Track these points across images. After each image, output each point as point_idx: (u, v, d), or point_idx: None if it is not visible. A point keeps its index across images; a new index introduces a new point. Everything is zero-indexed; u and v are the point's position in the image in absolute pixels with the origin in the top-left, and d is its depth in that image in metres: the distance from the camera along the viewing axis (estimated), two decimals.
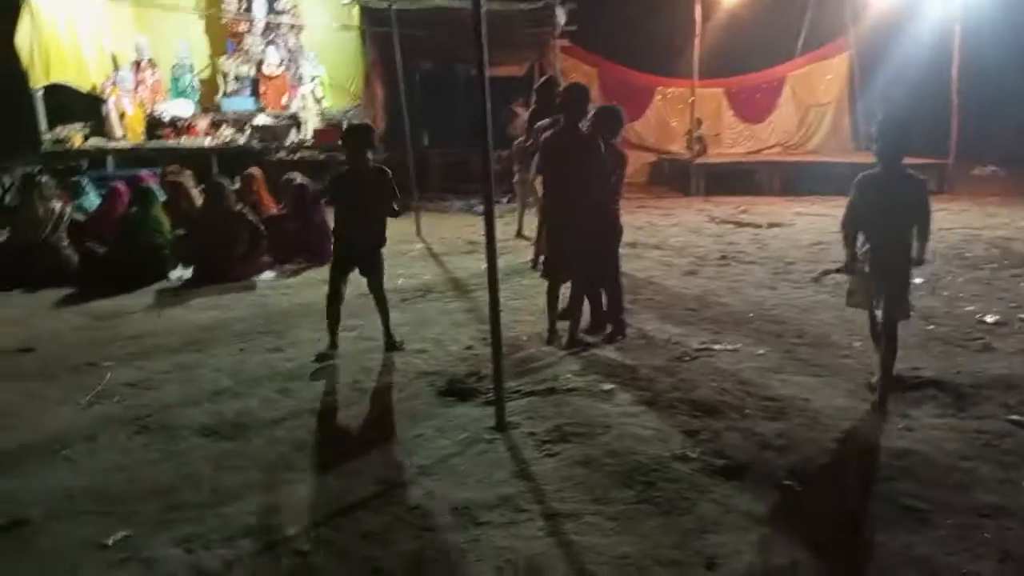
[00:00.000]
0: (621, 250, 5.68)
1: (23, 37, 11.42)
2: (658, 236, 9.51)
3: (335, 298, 5.29)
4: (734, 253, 8.48)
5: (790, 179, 13.71)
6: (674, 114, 16.21)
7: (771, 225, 10.30)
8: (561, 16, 12.81)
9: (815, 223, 10.23)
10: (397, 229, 9.74)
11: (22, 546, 3.14)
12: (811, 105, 16.43)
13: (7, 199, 8.82)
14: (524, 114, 8.87)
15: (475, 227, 9.76)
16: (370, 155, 5.19)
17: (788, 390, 4.52)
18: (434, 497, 3.42)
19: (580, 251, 5.32)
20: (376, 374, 4.96)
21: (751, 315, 6.10)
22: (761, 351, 5.22)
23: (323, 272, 7.75)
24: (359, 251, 5.36)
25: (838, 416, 4.14)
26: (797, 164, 14.30)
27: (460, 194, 12.44)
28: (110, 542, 3.12)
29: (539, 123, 6.88)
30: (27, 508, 3.39)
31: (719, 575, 2.83)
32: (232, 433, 4.11)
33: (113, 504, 3.43)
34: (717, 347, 5.31)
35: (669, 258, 8.25)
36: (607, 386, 4.63)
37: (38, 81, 11.71)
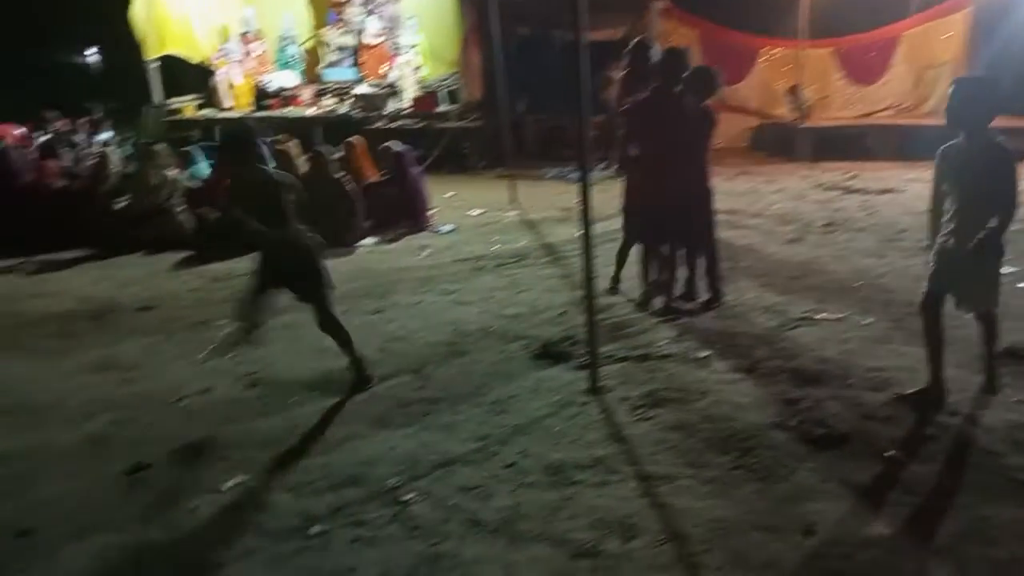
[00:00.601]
0: (719, 217, 5.56)
1: (137, 11, 11.99)
2: (760, 203, 9.23)
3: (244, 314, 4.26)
4: (841, 220, 8.15)
5: (903, 143, 12.98)
6: (779, 77, 15.57)
7: (882, 191, 9.82)
8: None
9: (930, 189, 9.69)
10: (493, 195, 9.91)
11: (145, 488, 3.39)
12: (927, 65, 15.44)
13: (128, 168, 9.30)
14: (617, 76, 8.71)
15: (569, 194, 9.72)
16: (263, 164, 4.51)
17: (895, 361, 4.35)
18: (528, 455, 3.49)
19: (672, 214, 5.23)
20: (472, 337, 5.05)
21: (858, 284, 5.87)
22: (867, 321, 5.03)
23: (421, 237, 7.98)
24: (281, 266, 4.27)
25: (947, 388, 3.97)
26: (911, 127, 13.51)
27: (555, 161, 12.39)
28: (225, 487, 3.33)
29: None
30: (152, 453, 3.65)
31: (816, 542, 2.79)
32: (336, 389, 4.28)
33: (227, 452, 3.65)
34: (820, 316, 5.15)
35: (771, 225, 8.01)
36: (703, 353, 4.58)
37: (151, 53, 12.27)
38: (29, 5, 20.45)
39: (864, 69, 15.68)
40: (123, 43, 12.90)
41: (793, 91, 13.89)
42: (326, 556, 2.85)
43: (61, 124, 12.05)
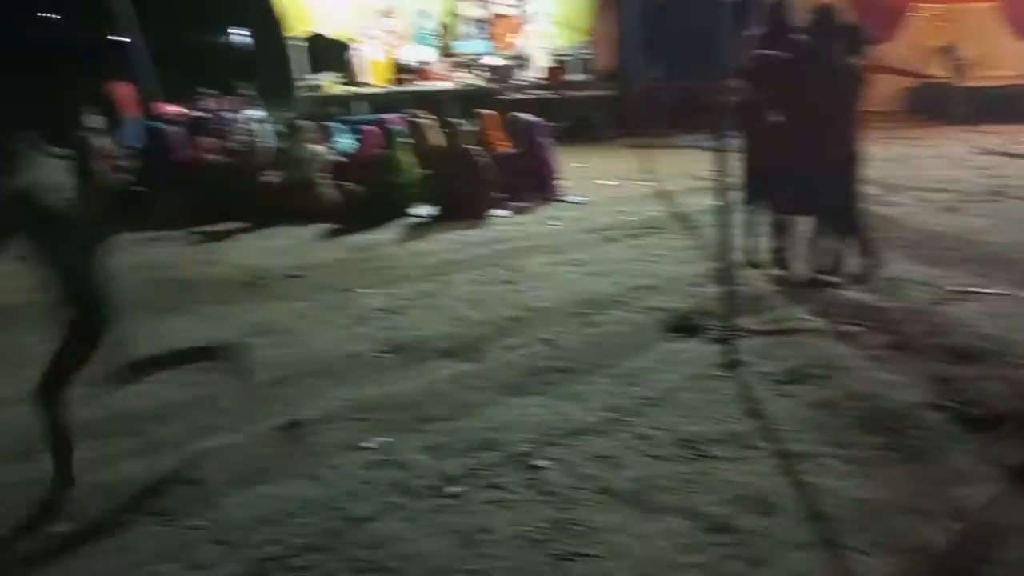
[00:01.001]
0: (870, 184, 5.25)
1: None
2: (914, 170, 8.65)
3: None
4: (1003, 187, 7.53)
5: None
6: (934, 34, 14.44)
7: None
8: None
9: None
10: (626, 166, 9.78)
11: (296, 444, 3.61)
12: None
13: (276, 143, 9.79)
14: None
15: (704, 162, 9.45)
16: None
17: None
18: (661, 427, 3.46)
19: (819, 178, 4.97)
20: (603, 308, 5.03)
21: (1020, 256, 5.42)
22: None
23: (552, 208, 8.00)
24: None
25: None
26: None
27: (690, 129, 12.05)
28: (369, 445, 3.50)
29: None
30: (302, 412, 3.88)
31: (968, 527, 2.63)
32: (471, 355, 4.40)
33: (370, 412, 3.84)
34: (979, 290, 4.79)
35: (927, 193, 7.49)
36: (850, 328, 4.36)
37: (294, 31, 12.81)
38: None
39: None
40: (270, 23, 13.54)
41: (948, 49, 12.87)
42: (462, 515, 2.95)
43: (213, 102, 12.81)
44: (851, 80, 4.89)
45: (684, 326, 4.60)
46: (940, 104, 12.88)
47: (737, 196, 5.64)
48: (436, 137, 8.69)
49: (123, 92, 12.61)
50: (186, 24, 22.86)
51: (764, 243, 5.67)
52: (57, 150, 3.78)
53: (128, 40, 9.53)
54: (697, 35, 12.55)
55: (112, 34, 17.05)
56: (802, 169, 4.96)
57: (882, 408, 3.43)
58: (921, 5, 14.57)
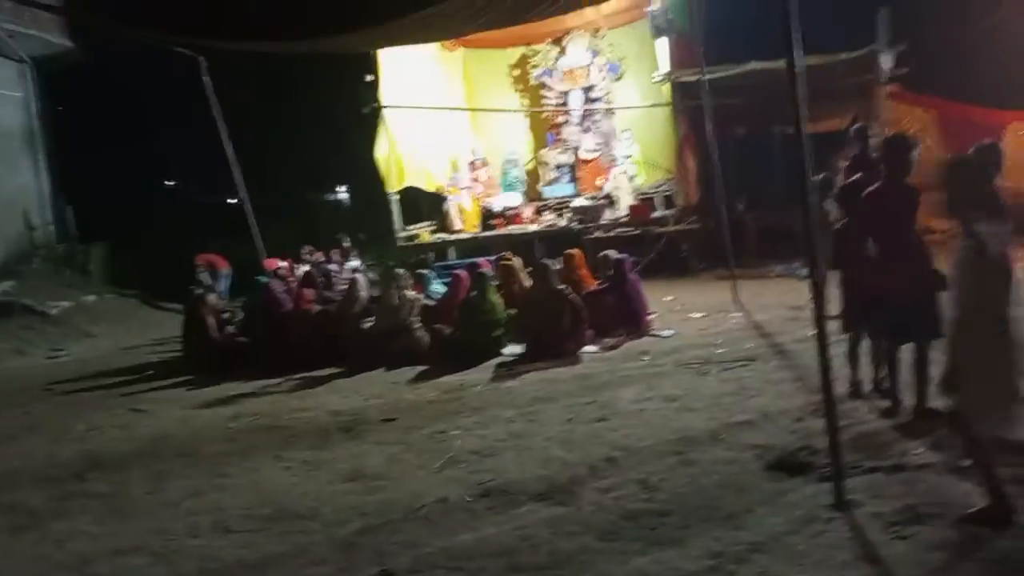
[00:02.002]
0: None
1: (380, 151, 13.46)
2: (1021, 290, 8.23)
3: None
4: None
5: None
6: None
7: None
8: (888, 60, 11.96)
9: None
10: (715, 297, 9.70)
11: None
12: None
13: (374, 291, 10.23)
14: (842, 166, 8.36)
15: (797, 292, 9.28)
16: None
17: None
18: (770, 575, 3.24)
19: (919, 305, 4.81)
20: (700, 445, 4.87)
21: None
22: None
23: (642, 343, 7.94)
24: None
25: None
26: None
27: (780, 258, 11.95)
28: None
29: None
30: (395, 560, 3.84)
31: None
32: (564, 499, 4.29)
33: (463, 561, 3.75)
34: None
35: None
36: (967, 461, 4.05)
37: (393, 187, 13.64)
38: (289, 153, 23.70)
39: None
40: (369, 180, 14.51)
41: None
42: None
43: (317, 255, 13.59)
44: (911, 196, 4.87)
45: (788, 464, 4.38)
46: None
47: (836, 325, 5.52)
48: (524, 278, 8.91)
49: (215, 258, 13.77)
50: (293, 184, 24.66)
51: (867, 373, 5.45)
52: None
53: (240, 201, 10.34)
54: (776, 167, 12.66)
55: (227, 196, 18.62)
56: (903, 294, 4.83)
57: (1010, 549, 3.12)
58: (1018, 123, 14.35)
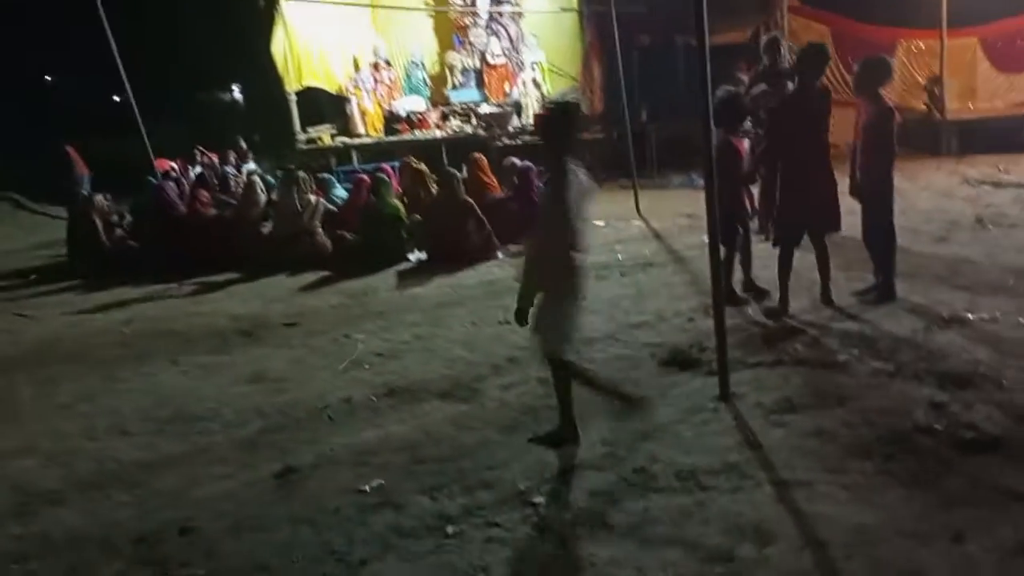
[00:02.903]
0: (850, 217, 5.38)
1: (277, 47, 12.78)
2: (903, 201, 8.67)
3: None
4: (992, 216, 7.62)
5: None
6: (921, 69, 14.74)
7: None
8: None
9: None
10: (617, 206, 9.89)
11: (293, 490, 3.60)
12: None
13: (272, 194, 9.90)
14: (746, 78, 8.52)
15: (696, 202, 9.56)
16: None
17: None
18: (658, 461, 3.46)
19: (823, 210, 5.15)
20: (598, 345, 5.05)
21: (1011, 282, 5.47)
22: (1023, 319, 4.68)
23: None
24: None
25: None
26: None
27: (680, 169, 12.21)
28: (366, 488, 3.49)
29: (755, 90, 6.65)
30: (297, 457, 3.88)
31: (968, 548, 2.62)
32: (467, 396, 4.41)
33: (367, 456, 3.83)
34: (971, 316, 4.83)
35: (916, 223, 7.57)
36: (842, 357, 4.39)
37: (292, 86, 13.05)
38: (177, 50, 22.26)
39: (1013, 57, 14.60)
40: (265, 79, 13.81)
41: (932, 83, 13.13)
42: (460, 554, 2.94)
43: (211, 157, 12.99)
44: (824, 102, 5.16)
45: (679, 360, 4.62)
46: (927, 138, 13.08)
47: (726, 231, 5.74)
48: (431, 184, 8.81)
49: (75, 153, 13.17)
50: (184, 84, 23.27)
51: (761, 277, 5.74)
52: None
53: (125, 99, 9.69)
54: (680, 78, 12.77)
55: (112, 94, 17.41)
56: (806, 199, 5.12)
57: (876, 434, 3.44)
58: (906, 41, 14.89)
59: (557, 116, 3.63)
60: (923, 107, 13.74)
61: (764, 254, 5.90)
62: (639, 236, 8.38)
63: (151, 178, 9.86)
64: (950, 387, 3.83)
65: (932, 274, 5.86)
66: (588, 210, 3.57)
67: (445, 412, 4.26)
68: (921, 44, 14.52)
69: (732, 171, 5.32)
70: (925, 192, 9.37)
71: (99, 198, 9.46)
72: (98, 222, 9.05)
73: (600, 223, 9.17)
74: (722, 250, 5.41)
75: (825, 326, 4.96)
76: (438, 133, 13.63)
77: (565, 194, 3.43)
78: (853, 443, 3.40)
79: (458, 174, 8.30)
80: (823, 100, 5.16)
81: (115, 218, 9.74)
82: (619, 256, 7.44)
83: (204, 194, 9.36)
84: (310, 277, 7.81)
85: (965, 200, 8.63)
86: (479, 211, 7.98)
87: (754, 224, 6.52)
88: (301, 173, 9.11)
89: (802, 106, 5.11)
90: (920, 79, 14.72)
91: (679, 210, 9.26)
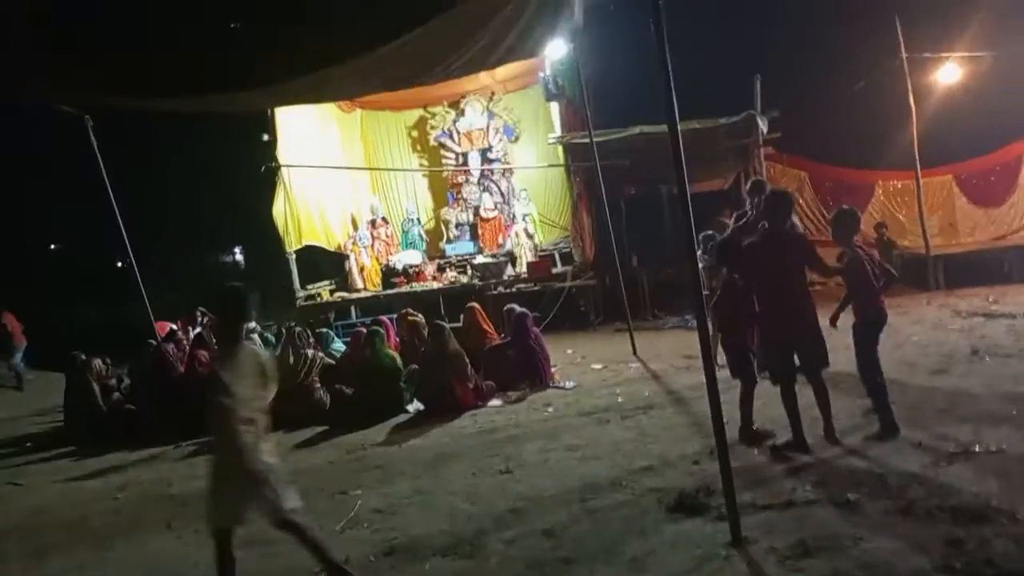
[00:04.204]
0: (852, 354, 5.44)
1: (279, 209, 13.28)
2: (896, 336, 8.81)
3: None
4: (987, 347, 7.66)
5: None
6: (900, 207, 15.31)
7: None
8: (763, 125, 12.79)
9: None
10: (613, 349, 9.94)
11: None
12: None
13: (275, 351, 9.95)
14: (730, 223, 8.82)
15: (691, 343, 9.64)
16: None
17: None
18: None
19: (803, 345, 5.21)
20: (603, 492, 4.94)
21: (1014, 412, 5.43)
22: None
23: (545, 394, 8.03)
24: None
25: None
26: None
27: (673, 312, 12.40)
28: None
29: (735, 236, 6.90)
30: None
31: None
32: (470, 552, 4.26)
33: None
34: (977, 448, 4.76)
35: (913, 357, 7.60)
36: (852, 496, 4.28)
37: (291, 246, 13.45)
38: (181, 214, 23.07)
39: (988, 192, 15.23)
40: (266, 239, 14.26)
41: (880, 226, 13.56)
42: None
43: (212, 317, 13.17)
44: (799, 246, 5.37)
45: (687, 505, 4.49)
46: (914, 273, 13.37)
47: (725, 372, 5.77)
48: (423, 334, 8.89)
49: (13, 321, 13.54)
50: (186, 245, 23.96)
51: (765, 416, 5.69)
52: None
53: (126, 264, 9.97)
54: (665, 225, 13.20)
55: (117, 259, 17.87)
56: (795, 337, 5.22)
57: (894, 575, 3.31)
58: (883, 181, 15.52)
59: (226, 300, 3.95)
60: (909, 245, 14.10)
61: (765, 394, 5.89)
62: (638, 378, 8.38)
63: (151, 341, 9.94)
64: (964, 523, 3.72)
65: (933, 407, 5.82)
66: (266, 383, 3.89)
67: (446, 570, 4.10)
68: (898, 184, 15.16)
69: (739, 308, 5.44)
70: (918, 326, 9.46)
71: (96, 361, 9.50)
72: (95, 386, 9.04)
73: (598, 366, 9.20)
74: (741, 387, 5.50)
75: (832, 464, 4.87)
76: (435, 284, 13.94)
77: (227, 371, 3.73)
78: None
79: (446, 325, 8.38)
80: (794, 243, 5.35)
81: (112, 381, 9.74)
82: (619, 399, 7.41)
83: (203, 354, 9.40)
84: (307, 433, 7.71)
85: (958, 332, 8.71)
86: (468, 360, 8.00)
87: None
88: (298, 328, 9.21)
89: (772, 249, 5.28)
90: (902, 217, 15.23)
91: (676, 351, 9.30)
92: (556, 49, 11.25)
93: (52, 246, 28.85)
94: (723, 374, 5.36)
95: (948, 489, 4.18)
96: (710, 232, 6.08)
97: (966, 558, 3.36)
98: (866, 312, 5.41)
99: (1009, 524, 3.65)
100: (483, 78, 14.50)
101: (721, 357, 5.88)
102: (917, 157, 12.95)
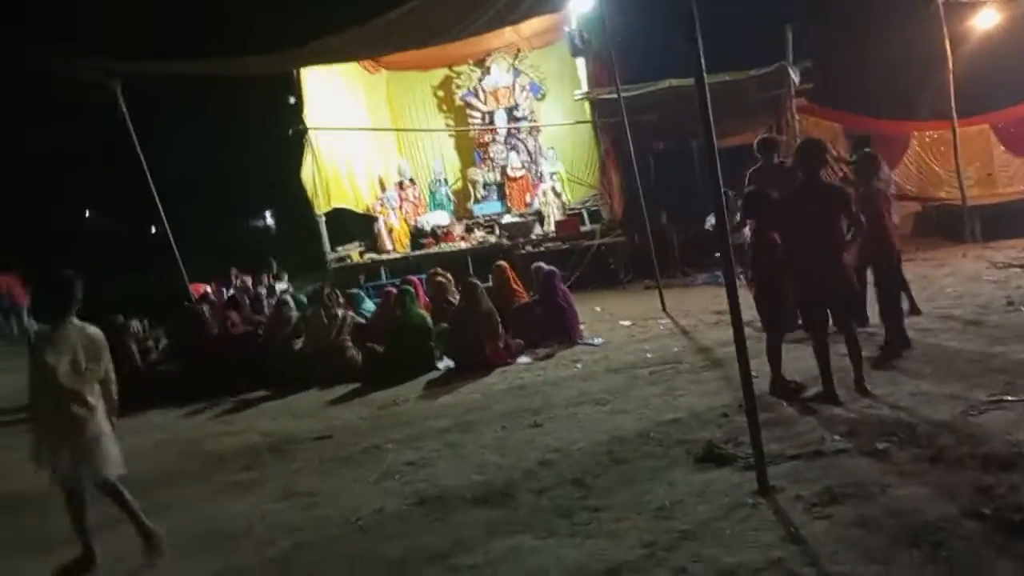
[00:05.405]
0: None
1: (307, 173, 13.34)
2: (931, 288, 8.70)
3: None
4: (1022, 298, 7.52)
5: None
6: (936, 158, 14.96)
7: None
8: (795, 75, 12.51)
9: None
10: (642, 306, 9.93)
11: None
12: None
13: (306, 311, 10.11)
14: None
15: (720, 298, 9.58)
16: None
17: None
18: (700, 560, 3.35)
19: (837, 294, 5.19)
20: (631, 444, 4.98)
21: None
22: None
23: (574, 351, 8.07)
24: None
25: None
26: None
27: (703, 268, 12.31)
28: None
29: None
30: (331, 572, 3.81)
31: None
32: (500, 502, 4.34)
33: (400, 567, 3.75)
34: (1009, 398, 4.71)
35: (946, 310, 7.50)
36: (881, 445, 4.28)
37: (321, 208, 13.54)
38: (211, 180, 23.30)
39: None
40: (296, 203, 14.37)
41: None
42: None
43: (244, 279, 13.37)
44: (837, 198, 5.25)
45: (715, 456, 4.51)
46: (950, 224, 13.12)
47: (756, 326, 5.75)
48: (454, 293, 8.95)
49: (16, 283, 13.72)
50: (217, 210, 24.24)
51: (794, 368, 5.67)
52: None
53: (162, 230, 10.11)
54: (696, 180, 13.04)
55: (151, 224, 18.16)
56: (822, 286, 5.17)
57: (922, 522, 3.30)
58: (919, 132, 15.15)
59: (57, 286, 4.19)
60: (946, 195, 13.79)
61: (795, 347, 5.88)
62: (667, 334, 8.37)
63: (186, 302, 10.13)
64: (994, 470, 3.70)
65: (966, 358, 5.75)
66: (98, 357, 4.23)
67: (477, 519, 4.18)
68: (934, 134, 14.79)
69: (770, 261, 5.40)
70: (952, 277, 9.32)
71: (134, 323, 9.71)
72: (133, 347, 9.25)
73: (627, 322, 9.20)
74: (768, 339, 5.49)
75: (862, 415, 4.86)
76: (463, 245, 13.97)
77: (51, 350, 4.05)
78: (899, 532, 3.27)
79: (479, 284, 8.42)
80: (828, 193, 5.26)
81: (150, 343, 9.96)
82: (648, 354, 7.42)
83: (235, 315, 9.58)
84: (340, 391, 7.85)
85: (994, 283, 8.55)
86: (499, 318, 8.05)
87: None
88: (328, 289, 9.32)
89: (807, 200, 5.21)
90: (938, 168, 14.89)
91: (705, 307, 9.27)
92: (581, 2, 11.07)
93: (87, 213, 29.36)
94: (753, 330, 5.36)
95: (979, 437, 4.16)
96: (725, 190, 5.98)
97: (995, 504, 3.35)
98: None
99: None
100: (508, 34, 14.34)
101: (751, 311, 5.84)
102: (954, 106, 12.61)
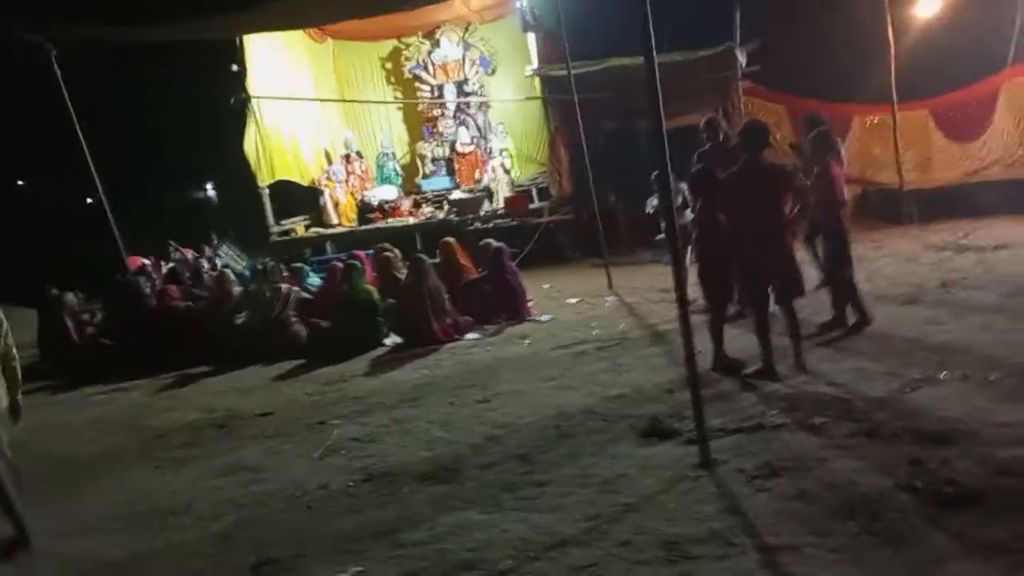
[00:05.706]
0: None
1: (250, 144, 13.01)
2: (868, 268, 8.93)
3: None
4: (956, 279, 7.78)
5: (1017, 197, 12.39)
6: (877, 142, 15.30)
7: (998, 247, 9.35)
8: (742, 57, 12.63)
9: None
10: (590, 284, 9.99)
11: None
12: None
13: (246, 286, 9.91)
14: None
15: (666, 276, 9.69)
16: None
17: None
18: (643, 532, 3.41)
19: (778, 273, 5.30)
20: (577, 420, 5.02)
21: (980, 341, 5.56)
22: (993, 377, 4.73)
23: (522, 328, 8.08)
24: None
25: None
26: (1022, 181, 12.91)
27: (650, 247, 12.41)
28: None
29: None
30: (275, 548, 3.77)
31: None
32: (447, 477, 4.34)
33: (346, 543, 3.73)
34: (942, 375, 4.88)
35: (882, 290, 7.71)
36: (818, 420, 4.40)
37: (264, 181, 13.24)
38: (151, 151, 22.60)
39: (963, 126, 15.21)
40: (238, 175, 14.02)
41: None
42: None
43: (184, 252, 13.03)
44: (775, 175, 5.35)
45: (659, 431, 4.59)
46: (889, 207, 13.46)
47: (700, 304, 5.83)
48: (400, 269, 8.87)
49: None
50: (157, 181, 23.56)
51: (735, 347, 5.78)
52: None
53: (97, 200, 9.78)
54: (644, 160, 13.11)
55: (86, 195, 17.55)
56: (764, 264, 5.27)
57: (858, 495, 3.41)
58: (860, 116, 15.47)
59: None
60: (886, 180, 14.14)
61: (736, 325, 6.00)
62: (613, 312, 8.44)
63: (121, 275, 9.83)
64: (927, 445, 3.84)
65: (902, 336, 5.93)
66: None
67: (424, 494, 4.18)
68: (875, 119, 15.12)
69: (714, 240, 5.47)
70: (889, 258, 9.58)
71: (70, 296, 9.40)
72: (68, 321, 8.97)
73: (574, 300, 9.25)
74: (711, 317, 5.58)
75: (801, 391, 4.98)
76: (411, 220, 13.83)
77: None
78: (837, 504, 3.38)
79: (427, 259, 8.36)
80: (772, 172, 5.35)
81: (86, 316, 9.66)
82: (595, 331, 7.47)
83: (174, 288, 9.35)
84: (285, 366, 7.74)
85: (929, 265, 8.82)
86: (447, 294, 8.02)
87: None
88: (271, 264, 9.15)
89: (751, 179, 5.29)
90: (878, 152, 15.24)
91: (651, 285, 9.36)
92: None
93: (19, 182, 28.24)
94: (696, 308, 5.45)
95: (913, 413, 4.30)
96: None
97: (927, 477, 3.48)
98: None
99: (970, 445, 3.76)
100: (458, 7, 14.14)
101: (695, 291, 5.92)
102: (894, 92, 12.89)
